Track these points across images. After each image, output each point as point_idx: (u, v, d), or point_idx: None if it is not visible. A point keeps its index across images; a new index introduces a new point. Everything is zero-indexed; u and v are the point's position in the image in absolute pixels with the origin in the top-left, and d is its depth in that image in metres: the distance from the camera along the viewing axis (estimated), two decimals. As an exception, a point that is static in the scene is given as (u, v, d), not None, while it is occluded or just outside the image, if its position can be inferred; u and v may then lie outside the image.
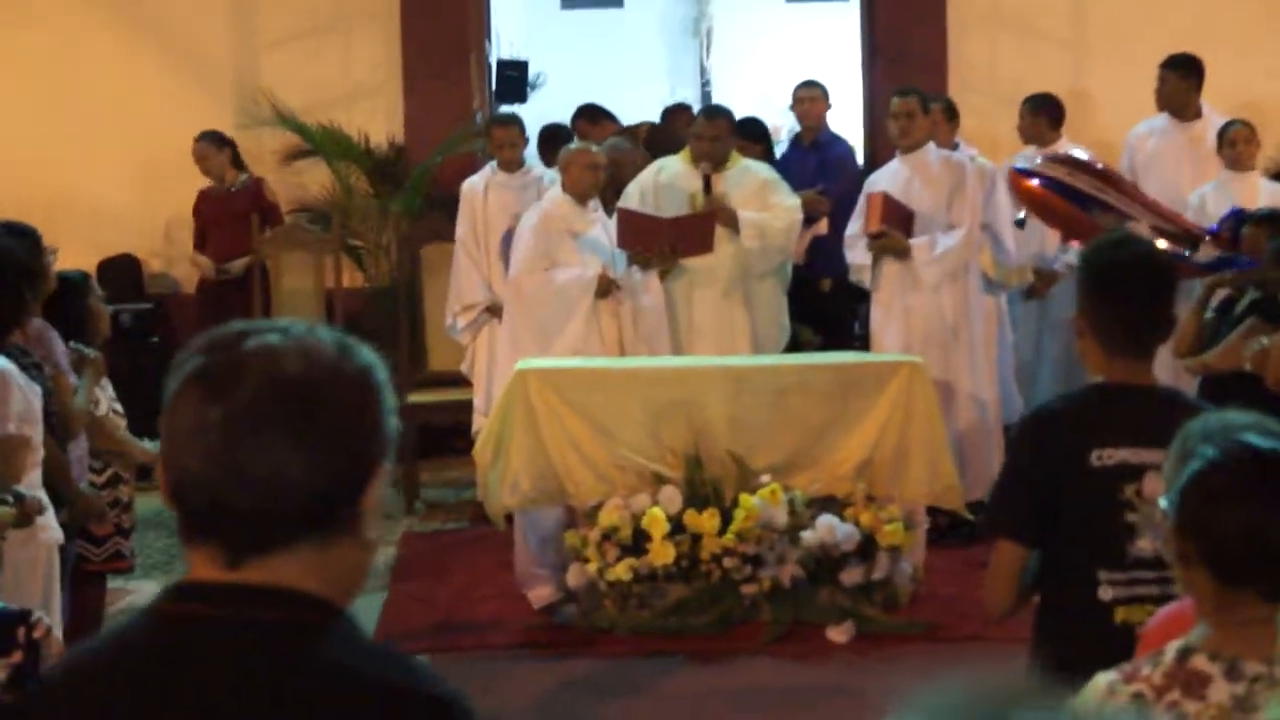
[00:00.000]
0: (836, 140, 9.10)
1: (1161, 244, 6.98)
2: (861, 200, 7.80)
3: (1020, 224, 7.60)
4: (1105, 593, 3.13)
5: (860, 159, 9.94)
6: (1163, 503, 2.35)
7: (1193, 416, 3.17)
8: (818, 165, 8.70)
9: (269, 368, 1.61)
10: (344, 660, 1.62)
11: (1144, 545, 3.10)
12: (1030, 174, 7.40)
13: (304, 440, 1.60)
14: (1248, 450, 2.29)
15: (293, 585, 1.63)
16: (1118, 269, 3.23)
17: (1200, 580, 2.29)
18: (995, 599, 3.20)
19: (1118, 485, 3.13)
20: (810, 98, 9.00)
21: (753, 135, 8.54)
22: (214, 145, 9.17)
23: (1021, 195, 7.44)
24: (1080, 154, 7.65)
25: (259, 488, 1.59)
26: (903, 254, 7.52)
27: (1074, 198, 7.23)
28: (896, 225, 7.52)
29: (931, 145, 7.74)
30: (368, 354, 1.68)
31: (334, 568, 1.66)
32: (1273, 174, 8.07)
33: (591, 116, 9.57)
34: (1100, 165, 7.59)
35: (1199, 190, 7.80)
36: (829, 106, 9.04)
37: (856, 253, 7.71)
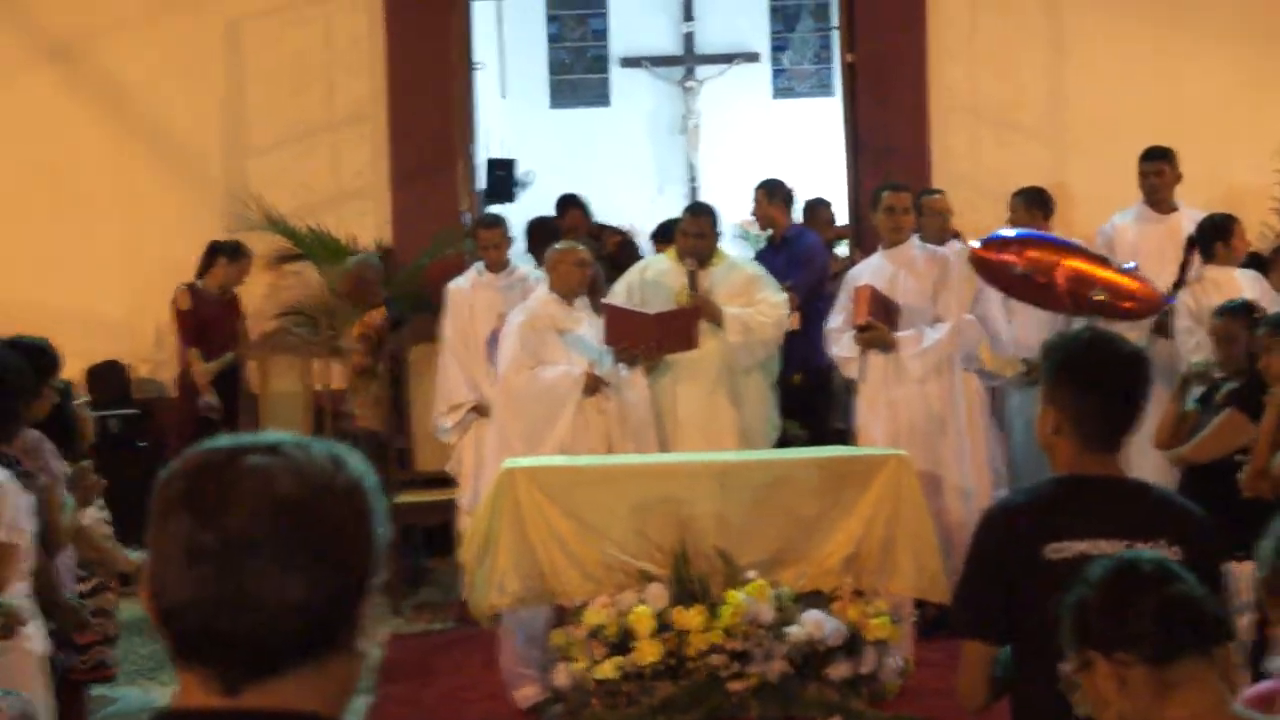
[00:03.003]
0: (803, 234, 9.15)
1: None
2: (843, 293, 7.86)
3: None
4: None
5: (845, 250, 10.03)
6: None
7: (1162, 507, 3.24)
8: (785, 261, 8.74)
9: (262, 489, 1.58)
10: None
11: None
12: (1001, 242, 7.32)
13: (301, 562, 1.57)
14: (1113, 563, 2.57)
15: (294, 707, 1.60)
16: (1101, 368, 3.25)
17: (1139, 682, 2.39)
18: (967, 695, 3.24)
19: (1076, 578, 3.16)
20: (756, 200, 9.13)
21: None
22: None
23: (995, 267, 7.35)
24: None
25: (257, 613, 1.56)
26: (889, 347, 7.57)
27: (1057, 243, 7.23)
28: (882, 318, 7.57)
29: (915, 239, 7.82)
30: (358, 464, 1.65)
31: (332, 684, 1.63)
32: (1242, 263, 8.10)
33: (583, 207, 9.85)
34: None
35: (1186, 289, 7.81)
36: (784, 206, 9.10)
37: (841, 346, 7.75)
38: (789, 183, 9.42)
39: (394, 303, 9.08)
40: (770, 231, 9.31)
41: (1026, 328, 8.31)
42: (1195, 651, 2.43)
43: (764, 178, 9.40)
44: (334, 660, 1.62)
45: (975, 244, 7.44)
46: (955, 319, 7.61)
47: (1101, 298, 7.30)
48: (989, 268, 7.35)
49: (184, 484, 1.60)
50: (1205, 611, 2.47)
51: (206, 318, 9.11)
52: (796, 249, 8.92)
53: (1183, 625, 2.43)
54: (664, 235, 9.13)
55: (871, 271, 7.81)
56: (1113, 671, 2.42)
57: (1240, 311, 6.04)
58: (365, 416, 8.74)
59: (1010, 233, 7.62)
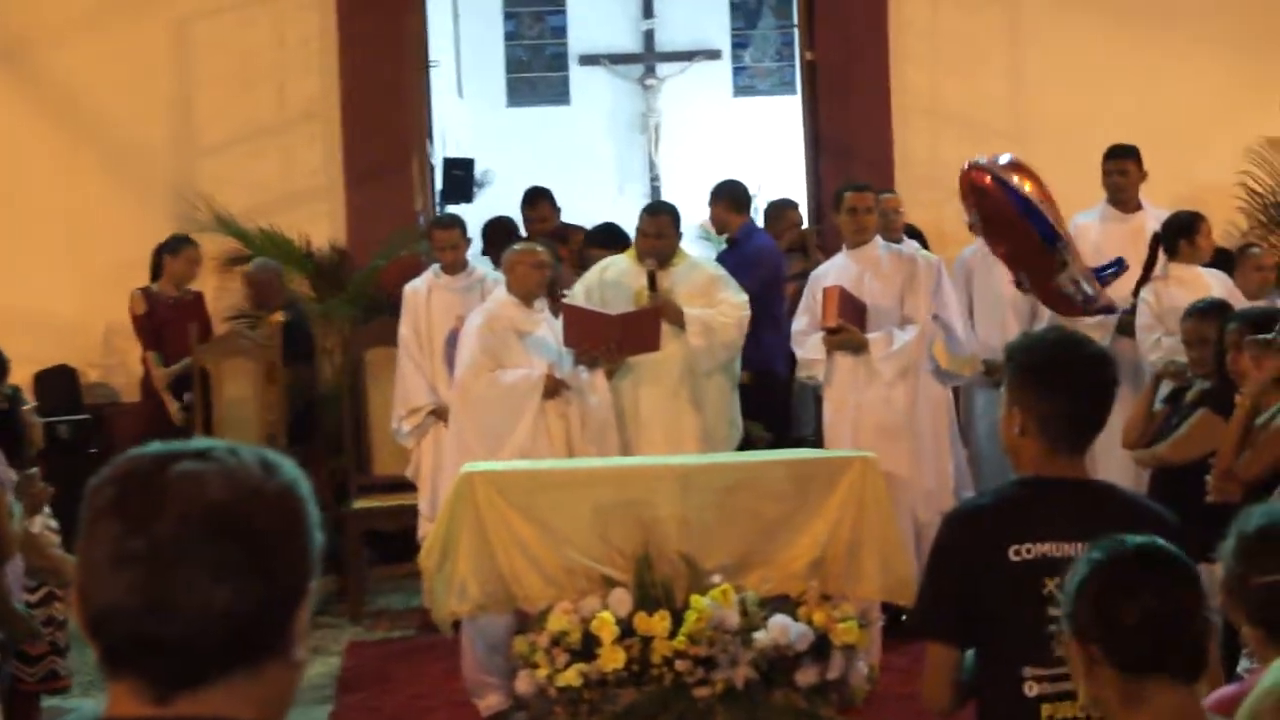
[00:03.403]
0: (752, 235, 9.08)
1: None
2: (807, 294, 7.86)
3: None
4: (1030, 689, 3.16)
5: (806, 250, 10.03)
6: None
7: (1128, 509, 3.25)
8: (736, 263, 8.53)
9: (192, 495, 1.59)
10: None
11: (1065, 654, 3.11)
12: (988, 172, 7.29)
13: (231, 569, 1.58)
14: (1130, 545, 2.43)
15: (226, 716, 1.60)
16: (1068, 369, 3.26)
17: (1106, 680, 2.35)
18: (932, 700, 3.25)
19: (1039, 580, 3.16)
20: (710, 205, 9.11)
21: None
22: (201, 255, 9.27)
23: (973, 193, 7.32)
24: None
25: (186, 620, 1.57)
26: (860, 349, 7.58)
27: (1032, 216, 7.25)
28: (851, 319, 7.59)
29: (879, 239, 7.84)
30: (290, 470, 1.66)
31: (266, 693, 1.64)
32: (1210, 262, 8.14)
33: (552, 199, 9.88)
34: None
35: (1150, 286, 7.85)
36: (730, 207, 9.05)
37: (807, 348, 7.74)
38: (744, 182, 9.38)
39: (295, 305, 9.03)
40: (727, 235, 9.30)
41: (989, 328, 8.37)
42: (1168, 674, 2.36)
43: (717, 181, 9.39)
44: (269, 669, 1.63)
45: (967, 164, 7.40)
46: (923, 321, 7.63)
47: (1023, 283, 7.42)
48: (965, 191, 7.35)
49: (113, 490, 1.60)
50: (1190, 640, 2.37)
51: (163, 320, 9.07)
52: (745, 250, 8.83)
53: (1160, 645, 2.35)
54: (603, 240, 8.97)
55: (836, 272, 7.82)
56: (1083, 657, 2.40)
57: (1212, 312, 6.04)
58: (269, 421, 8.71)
59: (1006, 176, 7.44)
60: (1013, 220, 7.24)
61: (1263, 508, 2.71)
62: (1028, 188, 7.25)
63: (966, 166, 7.40)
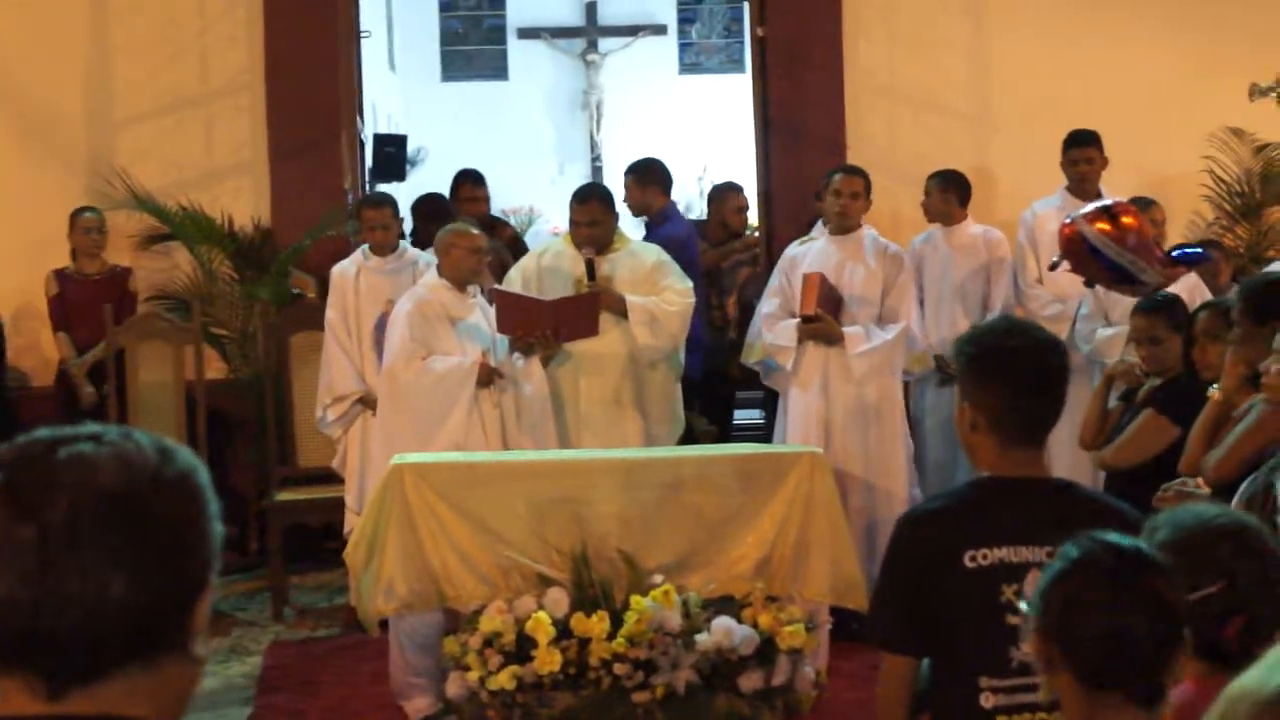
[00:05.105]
0: (664, 222, 9.01)
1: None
2: (779, 277, 7.85)
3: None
4: (986, 700, 3.17)
5: (760, 235, 10.05)
6: (1024, 605, 2.42)
7: (1086, 508, 3.26)
8: None
9: (85, 480, 1.59)
10: None
11: (1028, 649, 3.10)
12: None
13: (126, 557, 1.58)
14: (1110, 550, 2.37)
15: (121, 713, 1.61)
16: (1014, 358, 3.28)
17: (1066, 686, 2.36)
18: (885, 711, 3.26)
19: (996, 586, 3.17)
20: (626, 186, 9.09)
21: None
22: (101, 223, 9.18)
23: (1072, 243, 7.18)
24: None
25: (79, 611, 1.57)
26: (833, 341, 7.60)
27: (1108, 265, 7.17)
28: (828, 309, 7.60)
29: (867, 230, 7.84)
30: (188, 457, 1.68)
31: (164, 689, 1.65)
32: None
33: (476, 180, 9.81)
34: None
35: None
36: (658, 189, 9.06)
37: (778, 334, 7.73)
38: (660, 159, 9.35)
39: None
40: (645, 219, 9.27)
41: (939, 321, 8.42)
42: (1125, 694, 2.34)
43: (634, 160, 9.36)
44: (167, 663, 1.63)
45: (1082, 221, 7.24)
46: (906, 320, 7.65)
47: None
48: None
49: (0, 476, 1.60)
50: (1154, 663, 2.33)
51: (77, 301, 9.00)
52: (652, 238, 8.73)
53: (1120, 663, 2.33)
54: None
55: (817, 256, 7.80)
56: (1044, 655, 2.40)
57: (1162, 308, 6.04)
58: None
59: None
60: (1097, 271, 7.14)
61: (1164, 516, 2.69)
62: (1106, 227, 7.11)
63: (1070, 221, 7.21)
